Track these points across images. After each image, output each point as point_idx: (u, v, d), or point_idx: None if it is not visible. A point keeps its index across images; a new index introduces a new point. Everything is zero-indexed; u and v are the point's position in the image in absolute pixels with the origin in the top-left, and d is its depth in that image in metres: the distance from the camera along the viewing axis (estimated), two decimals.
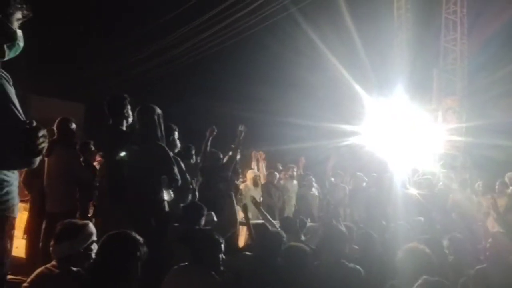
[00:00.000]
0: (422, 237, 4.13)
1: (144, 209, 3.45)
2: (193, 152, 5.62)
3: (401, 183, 7.23)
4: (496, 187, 7.11)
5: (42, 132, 1.77)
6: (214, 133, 5.62)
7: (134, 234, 2.29)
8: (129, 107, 3.88)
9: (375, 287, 3.32)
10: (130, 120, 3.88)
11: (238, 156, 5.89)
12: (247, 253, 3.73)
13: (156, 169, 3.54)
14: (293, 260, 2.78)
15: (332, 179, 8.23)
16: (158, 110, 3.79)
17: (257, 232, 4.24)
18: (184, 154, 5.25)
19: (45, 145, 1.80)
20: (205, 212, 3.99)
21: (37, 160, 1.86)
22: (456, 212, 6.63)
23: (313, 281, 2.91)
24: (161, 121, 3.76)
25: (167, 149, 3.68)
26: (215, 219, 4.50)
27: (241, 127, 5.74)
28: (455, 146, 9.26)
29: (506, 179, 7.28)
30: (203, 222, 3.91)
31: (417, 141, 9.34)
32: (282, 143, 9.66)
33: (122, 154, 3.61)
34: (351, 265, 3.34)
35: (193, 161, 5.51)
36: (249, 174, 7.38)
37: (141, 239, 2.27)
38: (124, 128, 3.84)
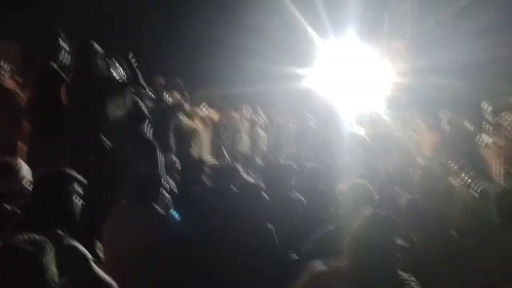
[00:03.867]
0: (361, 173, 4.36)
1: (83, 144, 3.35)
2: None
3: (348, 123, 7.49)
4: (430, 123, 7.59)
5: None
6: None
7: (69, 170, 2.20)
8: (61, 43, 3.73)
9: (317, 217, 3.49)
10: (61, 57, 3.71)
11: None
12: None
13: (96, 102, 3.43)
14: (248, 193, 2.84)
15: (278, 119, 8.39)
16: (96, 46, 3.67)
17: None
18: None
19: None
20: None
21: None
22: (397, 149, 7.01)
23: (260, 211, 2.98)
24: (99, 56, 3.63)
25: (107, 80, 3.57)
26: (176, 159, 4.49)
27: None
28: (400, 88, 9.60)
29: (440, 116, 7.74)
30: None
31: (365, 83, 9.57)
32: (234, 86, 9.52)
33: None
34: (295, 196, 3.50)
35: None
36: (199, 115, 7.30)
37: (77, 175, 2.19)
38: (55, 65, 3.66)
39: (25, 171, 2.53)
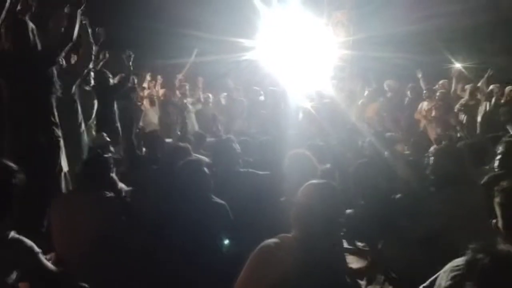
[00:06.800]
0: (309, 144, 4.49)
1: (32, 125, 3.21)
2: None
3: (294, 96, 7.61)
4: (374, 92, 8.05)
5: None
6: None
7: (5, 161, 2.10)
8: None
9: (270, 185, 3.57)
10: None
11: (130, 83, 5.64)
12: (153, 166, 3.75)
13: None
14: (193, 171, 2.83)
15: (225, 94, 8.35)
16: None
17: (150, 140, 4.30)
18: None
19: None
20: None
21: None
22: (343, 119, 7.26)
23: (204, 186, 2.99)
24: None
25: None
26: (108, 139, 4.40)
27: (127, 53, 5.35)
28: (343, 58, 9.79)
29: (385, 86, 8.15)
30: None
31: (310, 55, 9.64)
32: (181, 56, 9.21)
33: None
34: (244, 170, 3.55)
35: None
36: (144, 94, 7.11)
37: (14, 166, 2.08)
38: None
39: None
